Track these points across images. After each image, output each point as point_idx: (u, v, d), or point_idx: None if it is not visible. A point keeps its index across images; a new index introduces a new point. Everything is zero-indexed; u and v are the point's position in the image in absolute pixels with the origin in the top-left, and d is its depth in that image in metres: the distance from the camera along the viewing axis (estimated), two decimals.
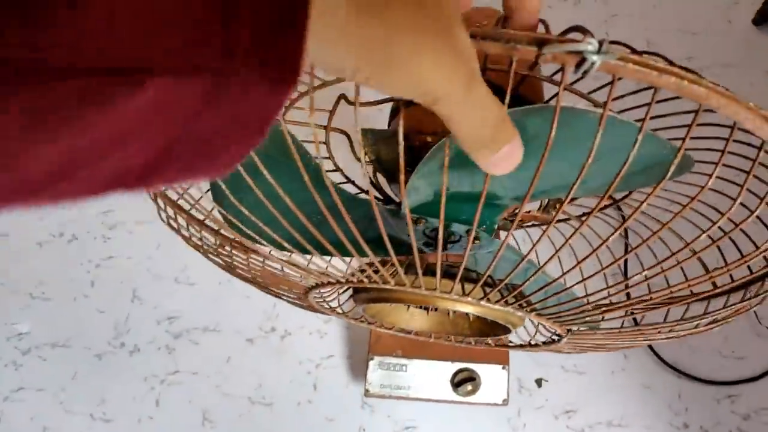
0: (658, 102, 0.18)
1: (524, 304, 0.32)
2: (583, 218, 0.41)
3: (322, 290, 0.40)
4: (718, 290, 0.32)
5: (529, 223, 0.25)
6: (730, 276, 0.31)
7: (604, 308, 0.31)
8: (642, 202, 0.22)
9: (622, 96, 0.33)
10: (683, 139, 0.20)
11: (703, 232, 0.24)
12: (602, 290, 0.30)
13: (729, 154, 0.21)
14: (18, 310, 0.71)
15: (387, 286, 0.32)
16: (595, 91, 0.33)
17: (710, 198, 0.29)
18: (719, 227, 0.24)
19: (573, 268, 0.28)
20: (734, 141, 0.21)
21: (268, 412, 0.67)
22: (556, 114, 0.18)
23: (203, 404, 0.67)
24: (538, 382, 0.69)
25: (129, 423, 0.67)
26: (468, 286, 0.32)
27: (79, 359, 0.69)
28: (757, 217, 0.24)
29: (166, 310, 0.71)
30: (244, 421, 0.67)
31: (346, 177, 0.43)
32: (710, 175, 0.21)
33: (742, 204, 0.22)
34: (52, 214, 0.74)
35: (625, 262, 0.69)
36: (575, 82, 0.37)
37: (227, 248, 0.36)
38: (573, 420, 0.68)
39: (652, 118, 0.19)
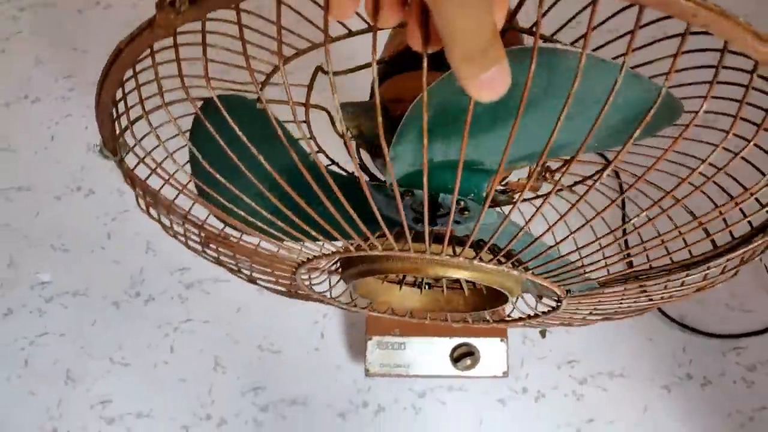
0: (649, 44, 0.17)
1: (517, 263, 0.31)
2: (577, 189, 0.40)
3: (310, 267, 0.39)
4: (718, 250, 0.30)
5: (522, 195, 0.23)
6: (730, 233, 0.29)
7: (598, 264, 0.30)
8: (623, 149, 0.21)
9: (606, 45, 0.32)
10: (667, 74, 0.18)
11: (693, 170, 0.22)
12: (594, 242, 0.29)
13: (719, 84, 0.20)
14: (40, 260, 0.74)
15: (375, 253, 0.30)
16: (577, 41, 0.32)
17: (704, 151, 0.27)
18: (710, 164, 0.22)
19: (569, 236, 0.27)
20: (728, 68, 0.19)
21: (277, 359, 0.70)
22: (533, 56, 0.17)
23: (215, 351, 0.70)
24: (542, 333, 0.70)
25: (145, 367, 0.70)
26: (458, 249, 0.30)
27: (97, 307, 0.72)
28: (756, 145, 0.22)
29: (178, 261, 0.73)
30: (253, 368, 0.69)
31: (330, 159, 0.43)
32: (704, 97, 0.19)
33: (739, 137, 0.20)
34: (69, 169, 0.77)
35: (623, 222, 0.69)
36: (555, 33, 0.36)
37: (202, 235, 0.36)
38: (575, 369, 0.68)
39: (635, 49, 0.18)
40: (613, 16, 0.31)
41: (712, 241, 0.31)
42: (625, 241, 0.52)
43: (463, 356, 0.62)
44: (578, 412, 0.67)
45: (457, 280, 0.41)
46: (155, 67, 0.23)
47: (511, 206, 0.26)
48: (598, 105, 0.19)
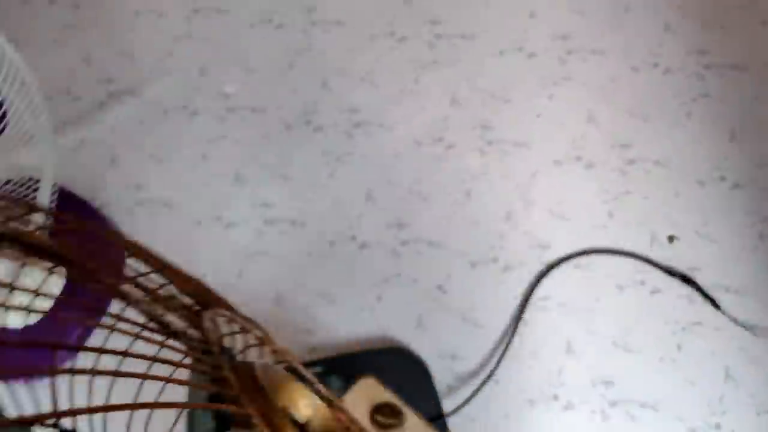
0: None
1: None
2: None
3: None
4: None
5: None
6: None
7: None
8: None
9: None
10: None
11: None
12: None
13: None
14: (228, 76, 0.82)
15: None
16: None
17: None
18: None
19: None
20: None
21: (423, 203, 0.76)
22: None
23: (369, 185, 0.77)
24: (670, 239, 0.75)
25: (306, 185, 0.78)
26: None
27: (271, 125, 0.80)
28: None
29: (349, 102, 0.80)
30: (402, 205, 0.76)
31: None
32: None
33: None
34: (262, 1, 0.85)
35: None
36: None
37: None
38: (696, 277, 0.73)
39: None
40: None
41: None
42: None
43: None
44: None
45: None
46: None
47: None
48: None
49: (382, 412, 0.61)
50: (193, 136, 0.80)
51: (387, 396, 0.62)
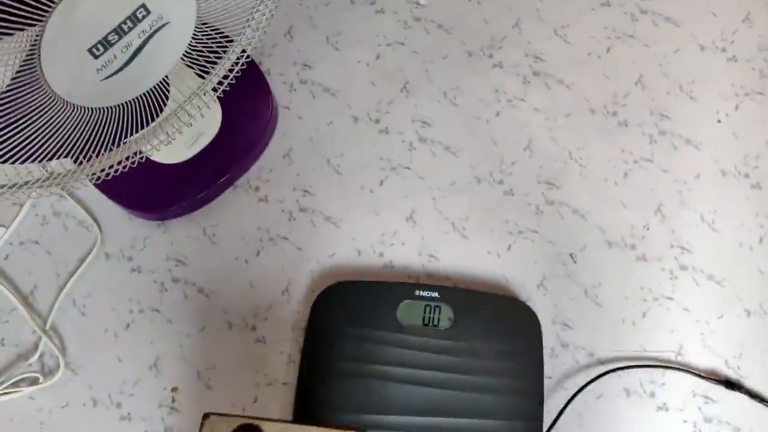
0: None
1: None
2: None
3: None
4: None
5: None
6: None
7: None
8: None
9: None
10: None
11: None
12: None
13: None
14: None
15: None
16: None
17: None
18: None
19: None
20: None
21: (579, 169, 0.75)
22: None
23: (530, 136, 0.76)
24: None
25: (470, 116, 0.77)
26: None
27: (453, 47, 0.79)
28: None
29: (535, 48, 0.79)
30: (557, 166, 0.75)
31: None
32: None
33: None
34: None
35: None
36: None
37: None
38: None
39: None
40: None
41: None
42: None
43: None
44: None
45: None
46: None
47: None
48: None
49: None
50: (373, 32, 0.80)
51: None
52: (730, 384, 0.67)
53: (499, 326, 0.68)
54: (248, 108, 0.76)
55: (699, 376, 0.68)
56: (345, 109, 0.78)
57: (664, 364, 0.69)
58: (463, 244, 0.73)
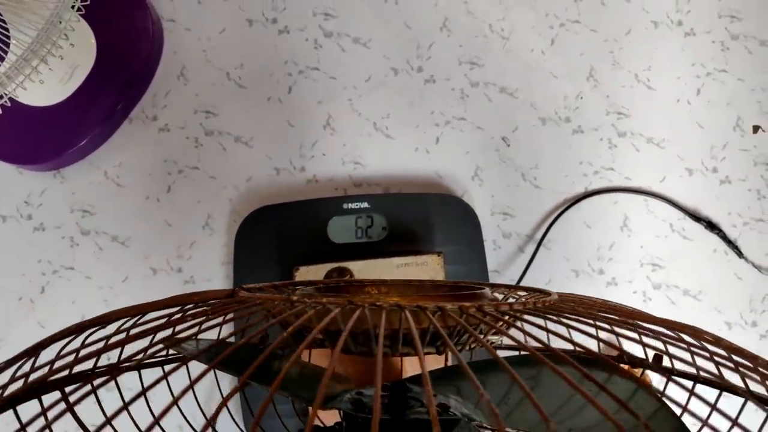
0: None
1: None
2: None
3: None
4: None
5: None
6: None
7: None
8: None
9: None
10: None
11: None
12: None
13: None
14: None
15: None
16: None
17: None
18: None
19: None
20: None
21: (501, 42, 0.68)
22: None
23: (445, 13, 0.68)
24: (755, 129, 0.69)
25: (376, 2, 0.68)
26: None
27: None
28: None
29: None
30: (478, 42, 0.68)
31: None
32: None
33: None
34: None
35: None
36: None
37: None
38: None
39: None
40: None
41: None
42: None
43: None
44: None
45: None
46: None
47: None
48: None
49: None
50: None
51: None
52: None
53: (436, 228, 0.65)
54: (125, 27, 0.66)
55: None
56: (237, 13, 0.68)
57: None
58: (388, 145, 0.68)
